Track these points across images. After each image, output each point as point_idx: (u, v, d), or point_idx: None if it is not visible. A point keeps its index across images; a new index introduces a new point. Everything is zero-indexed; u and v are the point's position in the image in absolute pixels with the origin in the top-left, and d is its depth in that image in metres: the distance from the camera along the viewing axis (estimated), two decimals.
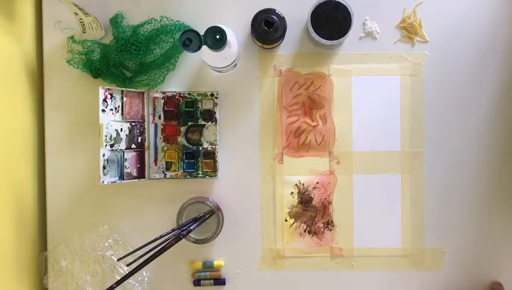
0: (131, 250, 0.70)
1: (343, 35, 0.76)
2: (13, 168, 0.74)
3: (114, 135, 0.76)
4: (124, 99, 0.77)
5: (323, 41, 0.76)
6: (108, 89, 0.75)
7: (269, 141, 0.81)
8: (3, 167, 0.72)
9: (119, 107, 0.77)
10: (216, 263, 0.81)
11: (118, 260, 0.72)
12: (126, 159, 0.77)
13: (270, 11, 0.76)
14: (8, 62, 0.74)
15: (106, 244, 0.78)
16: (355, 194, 0.81)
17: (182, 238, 0.73)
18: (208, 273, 0.80)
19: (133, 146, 0.79)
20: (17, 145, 0.76)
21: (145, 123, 0.80)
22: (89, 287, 0.77)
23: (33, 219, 0.79)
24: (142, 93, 0.79)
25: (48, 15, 0.80)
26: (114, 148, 0.75)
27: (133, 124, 0.79)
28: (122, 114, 0.77)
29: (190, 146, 0.80)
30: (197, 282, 0.81)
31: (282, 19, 0.76)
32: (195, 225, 0.75)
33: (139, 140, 0.79)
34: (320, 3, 0.75)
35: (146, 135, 0.80)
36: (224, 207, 0.80)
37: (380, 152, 0.81)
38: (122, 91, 0.77)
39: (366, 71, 0.81)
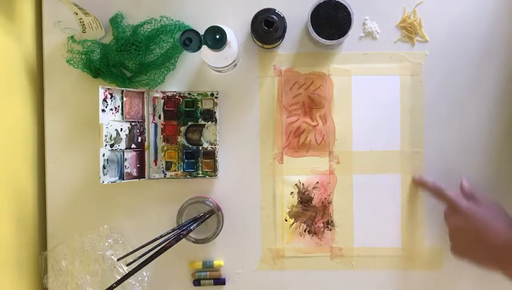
0: (131, 250, 0.70)
1: (343, 35, 0.76)
2: (13, 168, 0.74)
3: (114, 134, 0.76)
4: (124, 99, 0.77)
5: (323, 41, 0.76)
6: (108, 89, 0.75)
7: (269, 140, 0.81)
8: (3, 167, 0.72)
9: (119, 107, 0.77)
10: (216, 263, 0.81)
11: (118, 260, 0.72)
12: (126, 159, 0.77)
13: (270, 11, 0.76)
14: (8, 62, 0.74)
15: (106, 244, 0.78)
16: (355, 194, 0.81)
17: (182, 238, 0.73)
18: (208, 273, 0.80)
19: (133, 146, 0.79)
20: (17, 145, 0.76)
21: (145, 123, 0.80)
22: (89, 287, 0.77)
23: (33, 218, 0.79)
24: (142, 93, 0.79)
25: (47, 15, 0.80)
26: (114, 148, 0.75)
27: (133, 123, 0.79)
28: (122, 114, 0.77)
29: (190, 146, 0.80)
30: (197, 282, 0.81)
31: (282, 19, 0.76)
32: (195, 225, 0.75)
33: (139, 140, 0.79)
34: (320, 3, 0.75)
35: (146, 135, 0.80)
36: (224, 207, 0.80)
37: (380, 152, 0.81)
38: (122, 91, 0.77)
39: (366, 71, 0.81)
